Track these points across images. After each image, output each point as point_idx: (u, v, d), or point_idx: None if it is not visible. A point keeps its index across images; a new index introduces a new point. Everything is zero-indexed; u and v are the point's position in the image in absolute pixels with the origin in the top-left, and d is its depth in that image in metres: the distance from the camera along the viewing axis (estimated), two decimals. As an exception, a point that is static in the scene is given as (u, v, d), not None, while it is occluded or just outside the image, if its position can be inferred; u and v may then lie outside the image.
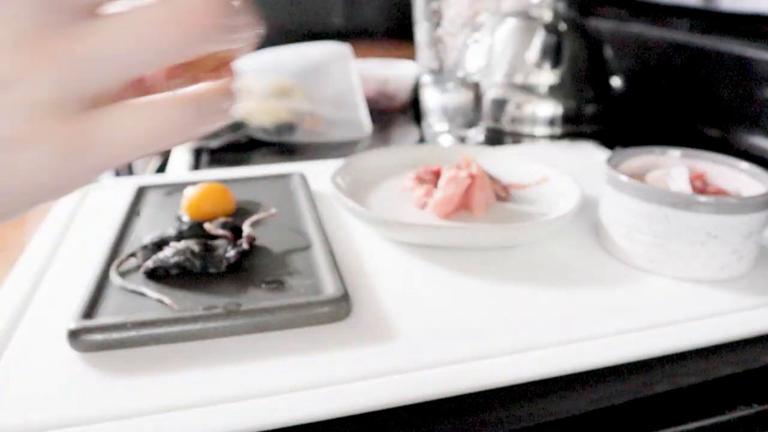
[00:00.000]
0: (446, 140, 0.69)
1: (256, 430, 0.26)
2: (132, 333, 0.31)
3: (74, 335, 0.30)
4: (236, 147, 0.69)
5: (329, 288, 0.34)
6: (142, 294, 0.34)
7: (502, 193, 0.48)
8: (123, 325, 0.31)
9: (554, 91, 0.74)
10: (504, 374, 0.29)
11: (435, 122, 0.69)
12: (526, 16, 0.77)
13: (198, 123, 0.19)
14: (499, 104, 0.75)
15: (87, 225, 0.46)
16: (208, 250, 0.36)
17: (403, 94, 0.87)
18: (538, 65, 0.73)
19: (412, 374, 0.29)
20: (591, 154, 0.62)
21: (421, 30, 0.65)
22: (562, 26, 0.72)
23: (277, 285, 0.35)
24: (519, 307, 0.35)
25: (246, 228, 0.40)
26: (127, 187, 0.50)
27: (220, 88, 0.20)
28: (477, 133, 0.69)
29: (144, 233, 0.41)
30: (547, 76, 0.74)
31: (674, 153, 0.44)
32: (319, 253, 0.38)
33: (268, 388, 0.28)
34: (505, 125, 0.75)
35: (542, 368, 0.30)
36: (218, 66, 0.21)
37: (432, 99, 0.68)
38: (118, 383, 0.29)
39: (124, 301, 0.33)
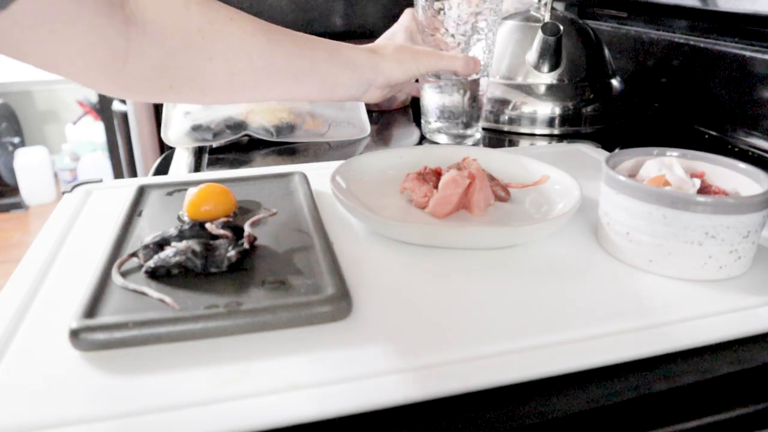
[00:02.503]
0: (446, 140, 0.69)
1: (257, 430, 0.26)
2: (133, 332, 0.31)
3: (76, 334, 0.31)
4: (237, 147, 0.69)
5: (330, 287, 0.34)
6: (143, 293, 0.34)
7: (502, 193, 0.49)
8: (124, 324, 0.31)
9: (553, 92, 0.74)
10: (504, 374, 0.29)
11: (434, 122, 0.69)
12: (525, 17, 0.78)
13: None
14: (499, 104, 0.75)
15: (89, 225, 0.46)
16: (209, 249, 0.37)
17: (403, 94, 0.87)
18: (538, 66, 0.74)
19: (411, 374, 0.29)
20: (590, 155, 0.63)
21: (420, 31, 0.65)
22: (562, 27, 0.72)
23: (278, 284, 0.36)
24: (519, 307, 0.35)
25: (247, 228, 0.40)
26: (129, 187, 0.51)
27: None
28: (476, 133, 0.69)
29: (145, 233, 0.41)
30: (547, 77, 0.74)
31: (673, 153, 0.44)
32: (319, 252, 0.39)
33: (269, 387, 0.28)
34: (505, 125, 0.75)
35: (542, 368, 0.30)
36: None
37: (431, 99, 0.68)
38: (119, 382, 0.29)
39: (126, 301, 0.34)
